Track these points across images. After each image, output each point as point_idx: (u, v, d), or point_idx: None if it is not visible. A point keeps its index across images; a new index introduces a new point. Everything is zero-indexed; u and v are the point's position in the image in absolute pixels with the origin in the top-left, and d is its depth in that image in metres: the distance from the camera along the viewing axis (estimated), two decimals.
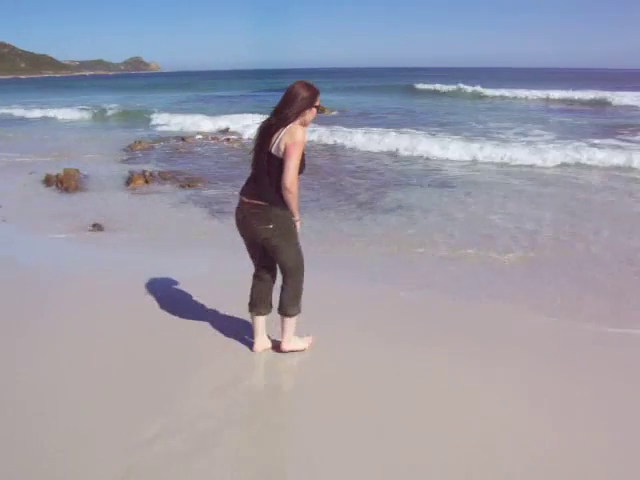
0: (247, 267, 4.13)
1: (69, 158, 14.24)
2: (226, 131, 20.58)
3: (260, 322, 4.12)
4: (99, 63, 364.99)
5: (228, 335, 4.38)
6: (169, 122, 23.06)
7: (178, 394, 3.58)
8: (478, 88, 38.28)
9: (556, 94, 35.48)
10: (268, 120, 3.79)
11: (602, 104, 31.08)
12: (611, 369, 4.06)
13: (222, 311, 4.80)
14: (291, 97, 3.68)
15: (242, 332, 4.38)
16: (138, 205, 9.32)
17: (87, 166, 12.90)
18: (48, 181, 11.09)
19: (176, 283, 5.39)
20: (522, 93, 36.49)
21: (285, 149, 3.58)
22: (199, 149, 15.94)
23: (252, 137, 4.13)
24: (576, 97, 33.63)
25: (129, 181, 11.16)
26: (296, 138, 3.59)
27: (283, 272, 3.96)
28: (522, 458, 3.02)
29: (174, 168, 12.67)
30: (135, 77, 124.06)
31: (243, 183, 3.88)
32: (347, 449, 3.07)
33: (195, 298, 5.06)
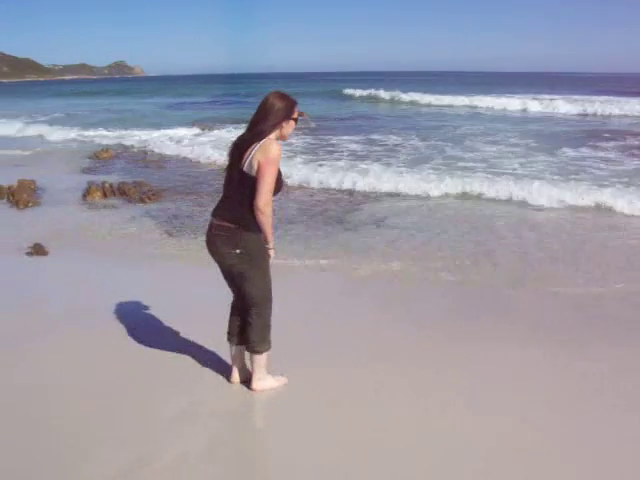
0: (212, 289, 3.95)
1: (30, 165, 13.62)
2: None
3: (237, 352, 3.82)
4: (83, 67, 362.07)
5: (206, 363, 4.13)
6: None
7: (144, 425, 3.39)
8: (397, 93, 37.20)
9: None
10: (242, 135, 3.47)
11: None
12: None
13: (194, 337, 4.51)
14: (265, 109, 3.43)
15: (218, 360, 4.14)
16: (89, 222, 8.66)
17: (46, 175, 12.28)
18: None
19: (135, 307, 5.06)
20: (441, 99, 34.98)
21: (258, 167, 3.26)
22: (168, 159, 15.25)
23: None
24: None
25: (86, 194, 10.53)
26: (270, 154, 3.27)
27: (248, 304, 3.58)
28: None
29: (138, 179, 11.97)
30: (113, 82, 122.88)
31: (213, 202, 3.58)
32: None
33: (161, 323, 4.81)
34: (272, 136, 3.43)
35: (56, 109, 33.25)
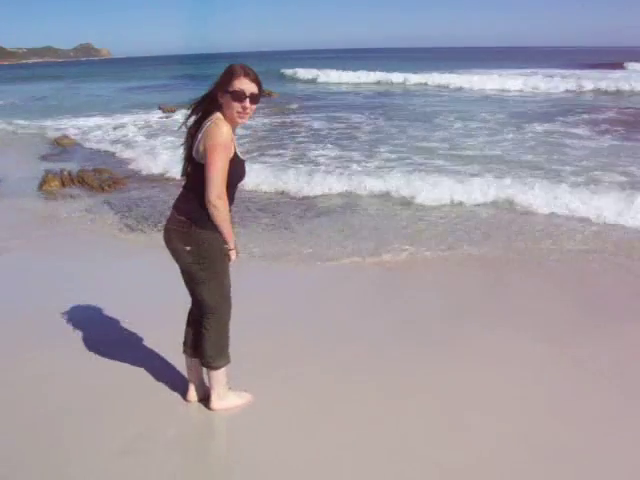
0: (171, 289, 3.47)
1: None
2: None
3: (193, 367, 3.35)
4: (48, 50, 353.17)
5: (158, 377, 3.65)
6: None
7: (87, 465, 2.89)
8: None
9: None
10: (187, 117, 2.99)
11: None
12: None
13: (147, 345, 4.04)
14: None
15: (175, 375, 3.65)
16: (43, 215, 8.05)
17: (2, 163, 11.63)
18: None
19: (84, 311, 4.59)
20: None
21: (204, 153, 2.75)
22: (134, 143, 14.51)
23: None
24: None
25: (42, 183, 9.89)
26: (215, 139, 2.76)
27: (202, 311, 3.09)
28: None
29: (100, 166, 11.34)
30: (79, 65, 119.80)
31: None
32: None
33: (110, 329, 4.34)
34: (219, 115, 2.91)
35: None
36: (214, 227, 2.96)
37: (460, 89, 27.40)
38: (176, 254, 3.08)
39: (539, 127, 14.67)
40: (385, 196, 8.44)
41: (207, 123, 2.89)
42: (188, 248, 2.99)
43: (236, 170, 2.97)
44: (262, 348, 4.05)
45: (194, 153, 2.91)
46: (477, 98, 23.51)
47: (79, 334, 4.30)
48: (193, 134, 2.96)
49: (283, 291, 5.22)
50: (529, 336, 4.21)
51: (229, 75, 2.89)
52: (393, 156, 11.28)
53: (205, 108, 2.96)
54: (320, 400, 3.45)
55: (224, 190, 2.89)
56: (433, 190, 8.18)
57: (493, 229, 6.83)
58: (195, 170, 2.94)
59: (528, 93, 25.00)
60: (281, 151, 12.18)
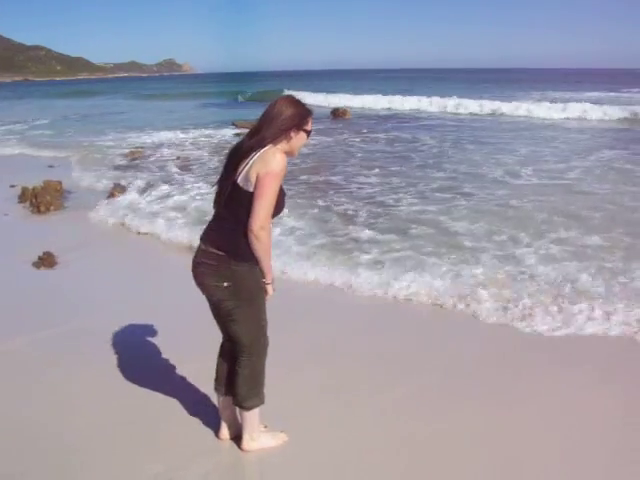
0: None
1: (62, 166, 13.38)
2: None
3: (226, 404, 3.18)
4: (133, 65, 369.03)
5: (192, 410, 3.52)
6: None
7: None
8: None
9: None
10: (241, 141, 2.80)
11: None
12: None
13: (186, 377, 3.94)
14: (272, 115, 2.82)
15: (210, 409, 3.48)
16: (107, 227, 8.19)
17: (75, 175, 12.07)
18: (24, 195, 10.06)
19: (137, 337, 4.52)
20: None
21: (257, 180, 2.61)
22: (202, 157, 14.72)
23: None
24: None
25: (110, 195, 10.11)
26: (272, 166, 2.62)
27: (237, 349, 2.93)
28: None
29: (165, 180, 11.54)
30: (162, 80, 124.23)
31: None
32: None
33: (152, 357, 4.25)
34: (278, 146, 2.80)
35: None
36: (253, 260, 2.81)
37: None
38: (209, 290, 2.92)
39: None
40: None
41: (260, 150, 2.75)
42: (225, 284, 2.83)
43: (280, 201, 2.83)
44: (304, 384, 3.88)
45: (240, 180, 2.75)
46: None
47: (115, 355, 4.27)
48: (240, 159, 2.79)
49: (326, 324, 4.99)
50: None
51: (306, 116, 2.89)
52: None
53: (271, 142, 2.79)
54: (361, 446, 3.23)
55: (269, 221, 2.75)
56: None
57: None
58: (237, 198, 2.78)
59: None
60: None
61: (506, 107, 25.49)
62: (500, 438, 3.28)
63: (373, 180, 10.88)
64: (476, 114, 25.57)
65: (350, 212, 8.45)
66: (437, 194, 9.57)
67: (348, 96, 33.81)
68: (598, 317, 4.86)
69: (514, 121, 22.03)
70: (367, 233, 7.30)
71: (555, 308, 5.02)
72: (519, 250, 6.50)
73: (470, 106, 27.06)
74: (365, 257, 6.37)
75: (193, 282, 2.98)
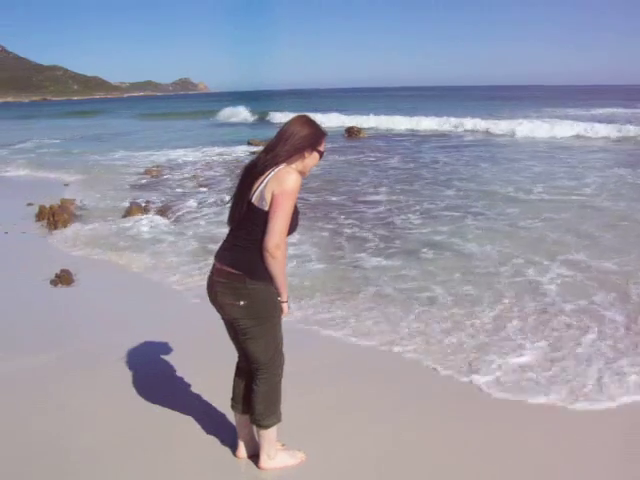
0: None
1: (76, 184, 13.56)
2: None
3: (243, 422, 3.18)
4: (149, 84, 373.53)
5: (209, 429, 3.51)
6: None
7: None
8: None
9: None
10: (256, 159, 2.82)
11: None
12: None
13: (203, 395, 3.94)
14: (287, 134, 2.85)
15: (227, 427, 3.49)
16: (125, 247, 8.22)
17: (90, 193, 12.21)
18: (41, 214, 10.18)
19: (153, 355, 4.55)
20: None
21: (272, 199, 2.64)
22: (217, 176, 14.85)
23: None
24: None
25: (127, 214, 10.22)
26: (287, 185, 2.66)
27: (254, 367, 2.95)
28: None
29: (182, 197, 11.72)
30: (176, 99, 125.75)
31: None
32: None
33: (167, 374, 4.28)
34: (292, 165, 2.84)
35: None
36: (269, 278, 2.82)
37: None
38: (225, 309, 2.92)
39: None
40: None
41: (274, 169, 2.78)
42: (241, 303, 2.83)
43: (294, 220, 2.85)
44: (323, 402, 3.87)
45: (255, 198, 2.77)
46: None
47: (130, 372, 4.29)
48: (255, 177, 2.82)
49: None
50: None
51: (320, 137, 2.94)
52: None
53: (285, 160, 2.83)
54: (379, 465, 3.21)
55: (284, 239, 2.77)
56: None
57: None
58: (252, 216, 2.79)
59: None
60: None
61: (524, 126, 24.88)
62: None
63: (382, 198, 10.96)
64: (493, 133, 25.19)
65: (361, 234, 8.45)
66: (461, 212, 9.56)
67: (363, 117, 33.25)
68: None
69: (533, 142, 21.62)
70: (375, 260, 7.10)
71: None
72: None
73: (484, 125, 26.80)
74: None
75: (208, 299, 3.00)
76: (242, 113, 43.07)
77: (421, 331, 4.99)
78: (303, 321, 5.21)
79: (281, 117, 34.28)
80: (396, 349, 4.67)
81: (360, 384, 4.14)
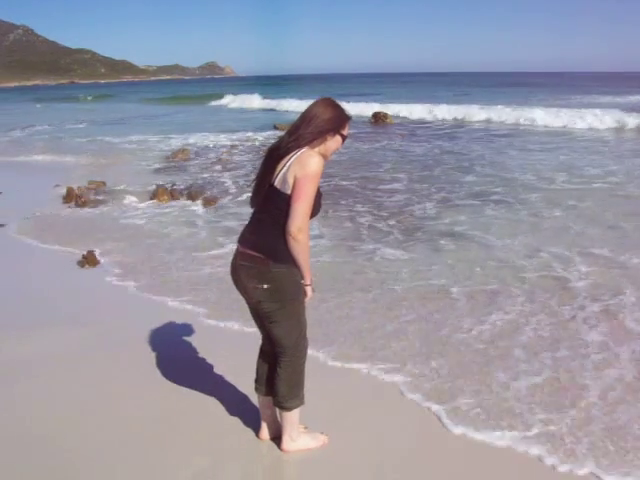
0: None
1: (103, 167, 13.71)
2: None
3: (266, 404, 3.19)
4: (176, 68, 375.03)
5: (233, 410, 3.54)
6: None
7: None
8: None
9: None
10: (278, 141, 2.80)
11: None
12: None
13: (225, 378, 3.98)
14: (310, 116, 2.83)
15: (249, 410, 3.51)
16: (153, 226, 8.32)
17: (118, 176, 12.31)
18: (69, 195, 10.30)
19: (178, 337, 4.59)
20: None
21: (295, 183, 2.63)
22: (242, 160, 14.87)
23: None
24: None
25: (153, 196, 10.30)
26: (310, 169, 2.64)
27: (278, 351, 2.94)
28: None
29: (210, 180, 11.81)
30: (204, 82, 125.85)
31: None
32: None
33: (202, 356, 4.28)
34: (314, 149, 2.81)
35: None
36: (292, 261, 2.80)
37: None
38: (249, 293, 2.91)
39: None
40: None
41: (297, 152, 2.76)
42: (265, 286, 2.82)
43: (317, 203, 2.83)
44: (350, 384, 3.89)
45: (277, 182, 2.76)
46: None
47: (153, 353, 4.33)
48: (278, 160, 2.80)
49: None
50: None
51: (344, 120, 2.91)
52: None
53: (308, 143, 2.80)
54: (402, 450, 3.20)
55: (307, 222, 2.75)
56: None
57: None
58: (275, 200, 2.78)
59: None
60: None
61: (548, 117, 22.84)
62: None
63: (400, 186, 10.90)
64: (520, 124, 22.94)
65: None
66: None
67: (394, 105, 30.15)
68: None
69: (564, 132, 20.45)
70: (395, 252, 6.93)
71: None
72: None
73: (510, 116, 24.39)
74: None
75: (230, 281, 3.00)
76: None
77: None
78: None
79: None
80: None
81: (387, 373, 4.11)
